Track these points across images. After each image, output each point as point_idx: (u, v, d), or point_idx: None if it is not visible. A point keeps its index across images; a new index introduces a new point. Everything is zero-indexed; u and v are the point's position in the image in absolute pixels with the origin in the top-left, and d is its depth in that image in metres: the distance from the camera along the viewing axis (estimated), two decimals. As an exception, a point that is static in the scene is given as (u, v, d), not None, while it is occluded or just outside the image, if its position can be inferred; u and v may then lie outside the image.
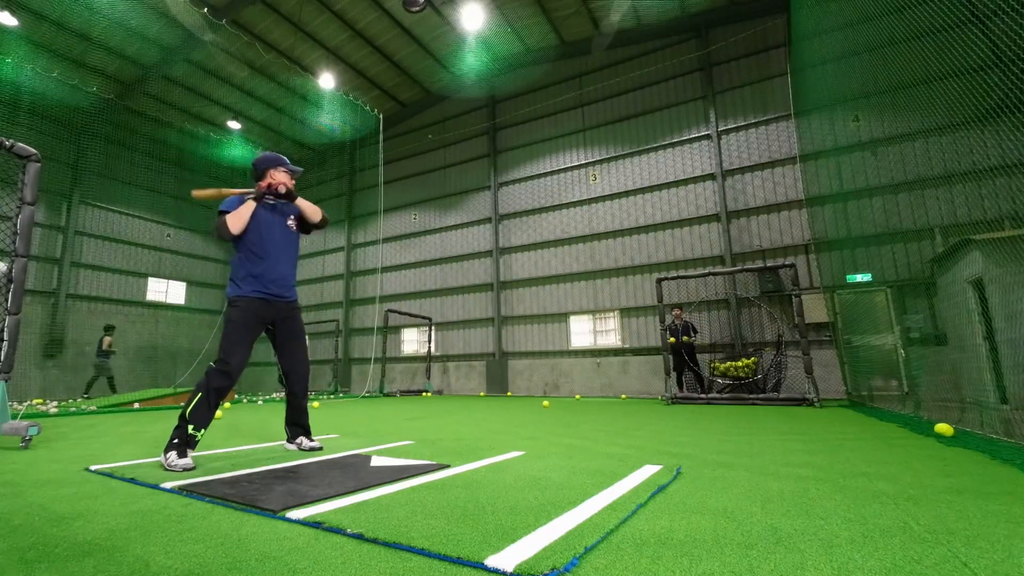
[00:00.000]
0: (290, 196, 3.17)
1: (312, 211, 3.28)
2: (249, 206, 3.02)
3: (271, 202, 3.20)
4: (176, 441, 2.65)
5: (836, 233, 9.05)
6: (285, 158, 3.28)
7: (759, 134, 11.73)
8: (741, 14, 12.36)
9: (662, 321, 9.22)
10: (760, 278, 10.67)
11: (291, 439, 3.34)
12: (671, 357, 9.21)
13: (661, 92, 13.32)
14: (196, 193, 3.23)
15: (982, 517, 1.62)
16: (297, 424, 3.35)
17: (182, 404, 2.87)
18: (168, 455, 2.60)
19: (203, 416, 2.76)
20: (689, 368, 9.53)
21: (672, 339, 9.41)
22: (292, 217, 3.27)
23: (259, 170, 3.20)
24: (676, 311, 10.08)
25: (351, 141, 19.06)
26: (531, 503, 1.82)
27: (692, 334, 9.80)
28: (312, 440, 3.32)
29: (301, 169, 3.39)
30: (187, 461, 2.57)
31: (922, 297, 8.96)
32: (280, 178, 3.17)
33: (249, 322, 2.96)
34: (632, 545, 1.37)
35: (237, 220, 2.96)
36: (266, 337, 3.21)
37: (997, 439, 3.34)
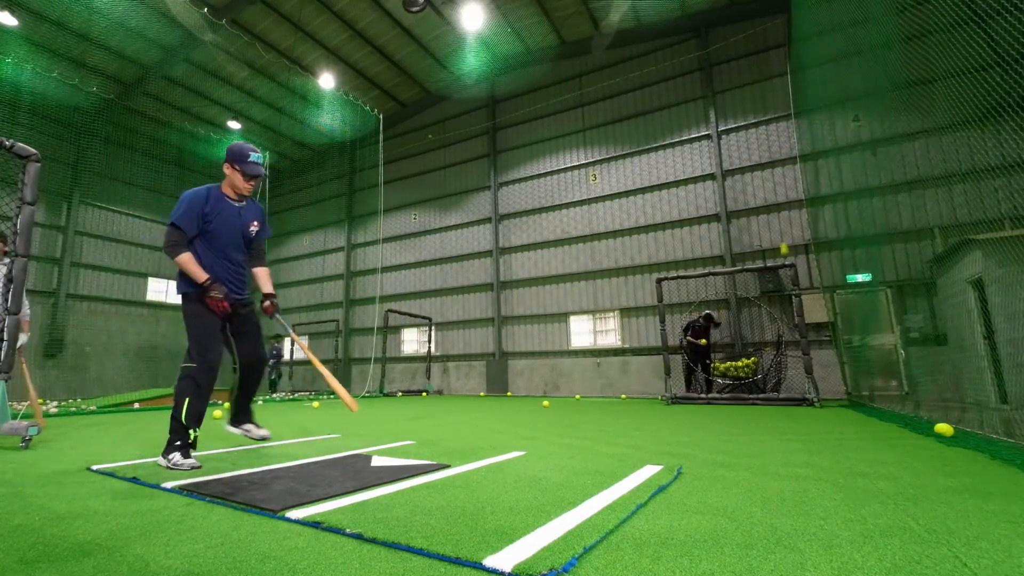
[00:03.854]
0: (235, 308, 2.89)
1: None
2: (196, 274, 2.74)
3: (224, 201, 2.95)
4: (179, 443, 2.64)
5: (836, 233, 9.05)
6: (248, 152, 2.90)
7: (759, 134, 11.73)
8: (741, 14, 12.36)
9: (662, 321, 9.22)
10: (760, 278, 10.67)
11: (237, 424, 3.15)
12: (684, 356, 9.39)
13: (661, 92, 13.32)
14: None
15: (982, 517, 1.62)
16: (244, 408, 3.17)
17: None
18: (171, 456, 2.60)
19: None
20: (704, 368, 9.53)
21: (704, 340, 9.52)
22: (255, 223, 3.06)
23: (230, 156, 2.91)
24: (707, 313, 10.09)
25: (351, 141, 19.06)
26: (531, 503, 1.82)
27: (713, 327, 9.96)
28: (260, 428, 3.12)
29: (264, 172, 3.03)
30: (193, 460, 2.59)
31: (922, 297, 8.96)
32: (239, 183, 2.90)
33: (210, 313, 2.85)
34: (632, 545, 1.37)
35: (181, 265, 2.78)
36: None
37: (997, 439, 3.33)
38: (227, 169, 2.91)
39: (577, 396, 12.26)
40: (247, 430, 3.07)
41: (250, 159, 2.89)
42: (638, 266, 12.67)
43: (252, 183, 2.95)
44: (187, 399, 2.67)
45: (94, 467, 2.64)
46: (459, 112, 16.89)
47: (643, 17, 13.30)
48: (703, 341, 9.55)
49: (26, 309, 4.17)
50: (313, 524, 1.57)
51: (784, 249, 9.55)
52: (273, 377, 14.89)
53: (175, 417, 2.68)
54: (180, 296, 2.87)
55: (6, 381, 3.66)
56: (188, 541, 1.43)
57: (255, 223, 3.04)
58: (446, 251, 16.22)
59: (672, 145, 12.82)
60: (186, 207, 2.77)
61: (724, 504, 1.80)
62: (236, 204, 2.95)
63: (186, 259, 2.74)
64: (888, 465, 2.57)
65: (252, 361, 3.07)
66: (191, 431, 2.68)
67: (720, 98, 12.37)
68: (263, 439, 3.06)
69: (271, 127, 18.05)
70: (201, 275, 2.74)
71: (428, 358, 15.15)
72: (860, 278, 9.35)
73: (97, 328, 15.66)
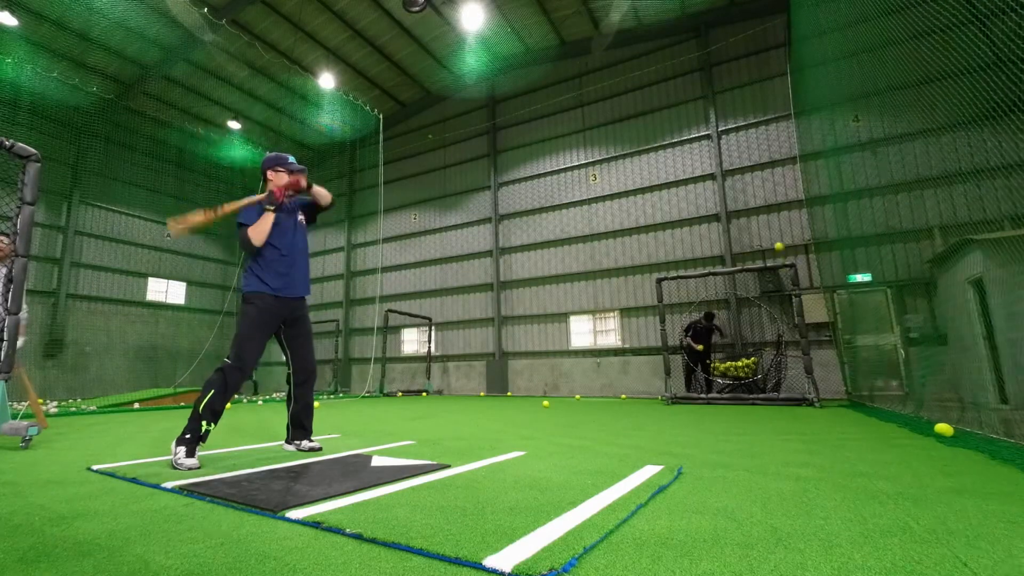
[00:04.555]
0: (308, 187, 3.20)
1: (324, 196, 3.33)
2: (268, 218, 3.03)
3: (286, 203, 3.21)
4: (188, 436, 2.69)
5: (836, 233, 9.05)
6: (287, 156, 3.25)
7: (759, 134, 11.73)
8: (741, 14, 12.36)
9: (662, 321, 9.22)
10: (760, 278, 10.67)
11: (290, 440, 3.29)
12: (684, 356, 9.47)
13: (661, 92, 13.32)
14: (175, 228, 2.96)
15: (982, 517, 1.62)
16: (300, 425, 3.30)
17: (183, 404, 2.85)
18: (178, 450, 2.65)
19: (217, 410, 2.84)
20: (703, 368, 9.57)
21: (701, 346, 9.57)
22: (300, 211, 3.32)
23: (264, 168, 3.24)
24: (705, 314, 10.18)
25: (351, 141, 19.07)
26: (531, 503, 1.82)
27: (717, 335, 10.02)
28: (312, 440, 3.29)
29: (304, 168, 3.35)
30: (193, 461, 2.62)
31: (922, 297, 8.95)
32: (281, 181, 3.16)
33: (265, 319, 2.99)
34: (632, 545, 1.37)
35: (259, 234, 2.99)
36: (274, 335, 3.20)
37: (997, 439, 3.33)
38: (271, 175, 3.19)
39: (577, 396, 12.26)
40: (298, 445, 3.23)
41: (291, 160, 3.25)
42: (638, 266, 12.68)
43: None
44: (211, 392, 2.78)
45: (94, 467, 2.64)
46: (459, 112, 16.89)
47: (643, 17, 13.30)
48: (700, 347, 9.59)
49: (24, 312, 4.17)
50: (313, 524, 1.57)
51: (779, 247, 9.53)
52: (255, 379, 14.67)
53: (195, 406, 2.78)
54: (242, 296, 3.08)
55: (6, 381, 3.66)
56: (188, 541, 1.43)
57: (299, 211, 3.32)
58: (446, 251, 16.22)
59: (672, 145, 12.83)
60: (245, 207, 3.06)
61: (724, 504, 1.80)
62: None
63: (252, 230, 2.97)
64: (888, 465, 2.57)
65: (305, 367, 3.25)
66: (203, 422, 2.74)
67: (720, 98, 12.37)
68: (312, 450, 3.19)
69: (271, 127, 18.05)
70: (267, 218, 2.99)
71: (428, 358, 15.15)
72: (860, 278, 9.34)
73: (97, 328, 15.65)
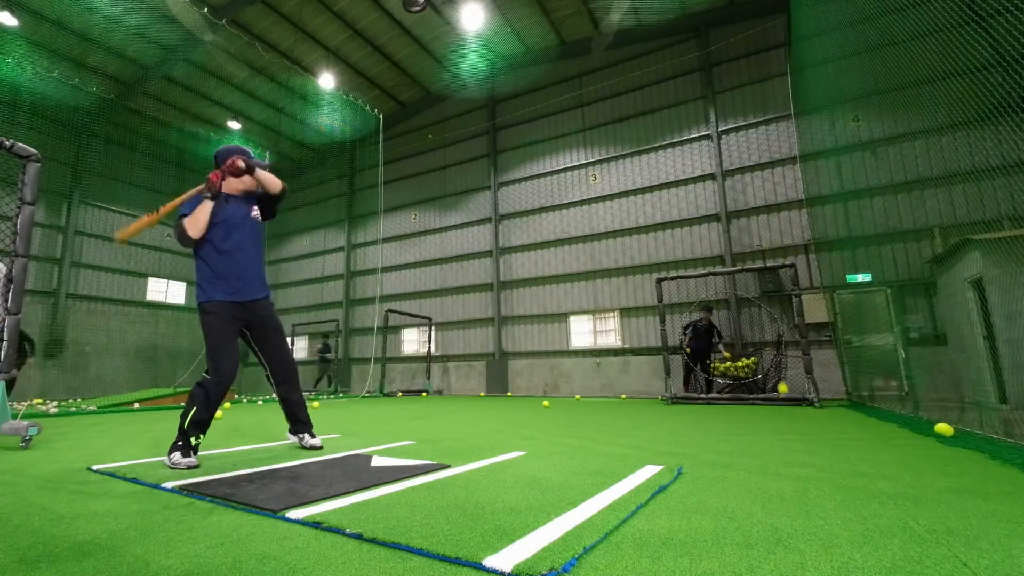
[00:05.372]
0: (249, 170, 2.92)
1: (271, 181, 3.02)
2: (205, 207, 2.81)
3: (226, 198, 2.99)
4: (180, 444, 2.69)
5: (836, 233, 9.05)
6: (245, 149, 3.07)
7: (759, 134, 11.72)
8: (741, 14, 12.36)
9: (662, 321, 9.22)
10: (760, 278, 10.67)
11: (292, 432, 3.38)
12: (683, 356, 9.46)
13: (661, 92, 13.32)
14: (121, 235, 2.96)
15: (982, 517, 1.62)
16: (296, 419, 3.35)
17: (182, 404, 2.83)
18: (172, 455, 2.65)
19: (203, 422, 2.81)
20: (703, 368, 9.56)
21: (688, 350, 9.57)
22: (255, 207, 3.11)
23: (218, 161, 2.99)
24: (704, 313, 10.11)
25: (351, 141, 19.06)
26: (531, 503, 1.82)
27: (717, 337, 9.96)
28: (314, 437, 3.33)
29: (268, 163, 3.30)
30: (191, 459, 2.62)
31: (922, 297, 8.96)
32: (248, 179, 3.02)
33: (226, 326, 2.86)
34: (632, 545, 1.37)
35: (195, 225, 2.77)
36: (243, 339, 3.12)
37: (997, 439, 3.34)
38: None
39: (577, 396, 12.26)
40: (301, 439, 3.30)
41: (247, 151, 3.09)
42: (638, 266, 12.67)
43: None
44: (194, 408, 2.76)
45: (94, 467, 2.64)
46: (459, 112, 16.89)
47: (643, 17, 13.30)
48: (688, 350, 9.59)
49: None
50: (313, 524, 1.57)
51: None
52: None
53: (180, 421, 2.76)
54: (198, 307, 2.93)
55: (6, 381, 3.66)
56: (188, 541, 1.43)
57: (253, 207, 3.14)
58: (446, 251, 16.22)
59: (672, 145, 12.82)
60: (187, 200, 2.93)
61: (724, 504, 1.80)
62: (237, 197, 3.08)
63: (188, 220, 2.80)
64: (888, 465, 2.57)
65: (281, 366, 3.21)
66: (192, 438, 2.73)
67: (720, 98, 12.37)
68: (313, 448, 3.24)
69: (271, 127, 18.05)
70: (204, 207, 2.83)
71: (428, 358, 15.15)
72: (860, 278, 9.34)
73: (97, 328, 15.65)
